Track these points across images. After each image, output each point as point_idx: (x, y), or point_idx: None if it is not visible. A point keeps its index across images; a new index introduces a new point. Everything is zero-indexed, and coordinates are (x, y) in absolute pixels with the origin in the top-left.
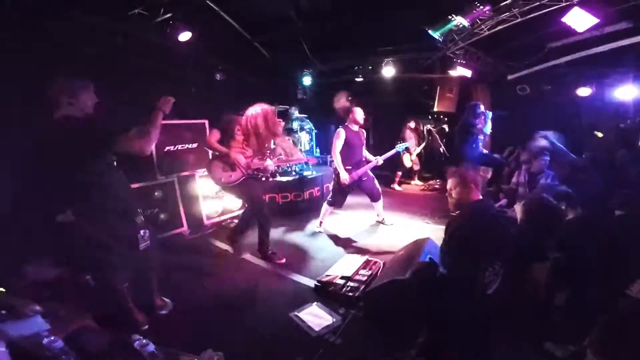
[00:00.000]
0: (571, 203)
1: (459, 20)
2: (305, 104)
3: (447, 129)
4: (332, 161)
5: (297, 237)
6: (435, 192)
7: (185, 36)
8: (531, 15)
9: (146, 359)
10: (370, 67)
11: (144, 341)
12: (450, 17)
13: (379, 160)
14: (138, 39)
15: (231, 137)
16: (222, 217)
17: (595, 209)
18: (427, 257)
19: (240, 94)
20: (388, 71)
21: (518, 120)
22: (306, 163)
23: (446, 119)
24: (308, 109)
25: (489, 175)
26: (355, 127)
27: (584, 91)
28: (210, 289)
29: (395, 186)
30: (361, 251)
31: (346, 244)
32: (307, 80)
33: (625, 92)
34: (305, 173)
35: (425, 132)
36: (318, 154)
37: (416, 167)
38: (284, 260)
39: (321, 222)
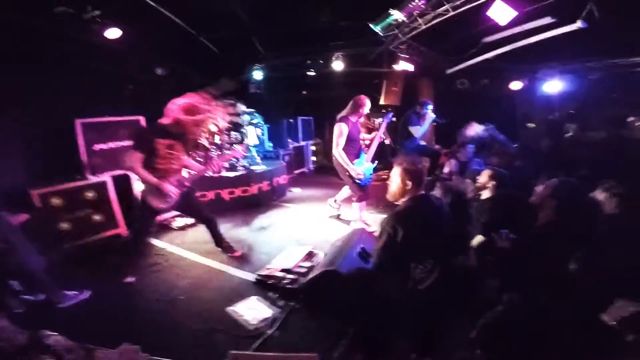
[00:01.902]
0: (503, 183)
1: (397, 15)
2: (258, 98)
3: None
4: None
5: (242, 233)
6: (383, 183)
7: (113, 33)
8: (462, 9)
9: (61, 354)
10: (321, 62)
11: (59, 337)
12: (389, 11)
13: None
14: (66, 37)
15: (153, 153)
16: (163, 217)
17: (528, 191)
18: (360, 248)
19: (185, 91)
20: (338, 65)
21: (459, 113)
22: (252, 158)
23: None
24: (262, 104)
25: (427, 165)
26: (354, 119)
27: (516, 85)
28: (137, 285)
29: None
30: (306, 243)
31: (293, 236)
32: (257, 75)
33: (552, 86)
34: (253, 167)
35: (375, 125)
36: (271, 148)
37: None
38: (239, 253)
39: (360, 218)
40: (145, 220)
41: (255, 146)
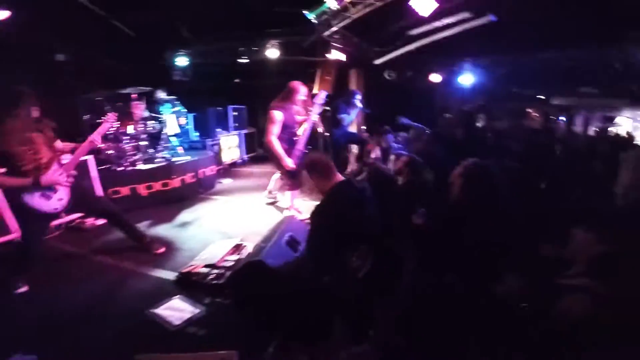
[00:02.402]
0: (416, 168)
1: (331, 3)
2: (184, 85)
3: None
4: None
5: (162, 230)
6: None
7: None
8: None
9: None
10: (255, 49)
11: None
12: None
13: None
14: None
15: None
16: (68, 218)
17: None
18: (288, 236)
19: (93, 78)
20: (272, 53)
21: (387, 102)
22: (172, 148)
23: (327, 100)
24: (188, 91)
25: (356, 151)
26: (289, 106)
27: (436, 77)
28: (35, 294)
29: None
30: (235, 236)
31: (220, 230)
32: (181, 61)
33: (465, 79)
34: (174, 159)
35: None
36: (197, 137)
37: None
38: (163, 249)
39: (291, 207)
40: (32, 228)
41: (177, 135)
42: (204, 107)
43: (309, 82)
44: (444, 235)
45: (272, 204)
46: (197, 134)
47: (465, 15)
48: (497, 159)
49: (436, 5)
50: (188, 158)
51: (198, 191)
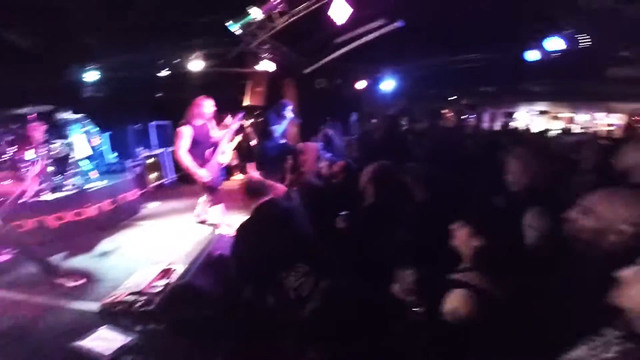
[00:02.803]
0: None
1: (256, 13)
2: (96, 102)
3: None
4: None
5: (80, 261)
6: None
7: None
8: (314, 7)
9: None
10: (176, 61)
11: None
12: (248, 9)
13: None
14: None
15: None
16: None
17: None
18: (217, 255)
19: None
20: (196, 65)
21: (320, 111)
22: (84, 173)
23: (259, 112)
24: (101, 108)
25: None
26: (200, 122)
27: (361, 84)
28: None
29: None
30: (163, 261)
31: (147, 256)
32: (92, 76)
33: (387, 85)
34: (88, 185)
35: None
36: (115, 159)
37: (235, 162)
38: (81, 282)
39: (203, 220)
40: None
41: (90, 158)
42: (121, 125)
43: (239, 95)
44: (361, 238)
45: (202, 222)
46: (115, 155)
47: (380, 22)
48: (416, 159)
49: (350, 10)
50: (104, 183)
51: (119, 218)
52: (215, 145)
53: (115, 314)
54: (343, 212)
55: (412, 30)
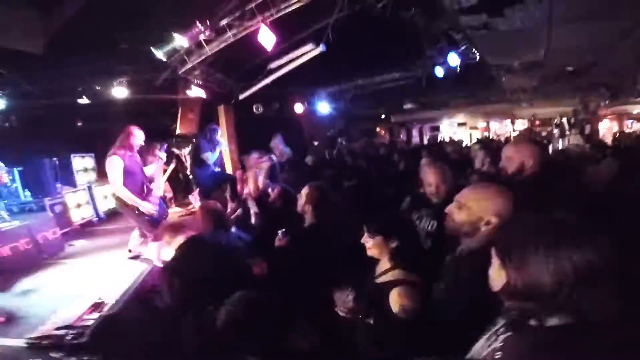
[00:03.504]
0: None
1: (180, 40)
2: (6, 133)
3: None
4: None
5: None
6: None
7: None
8: (243, 34)
9: None
10: (98, 87)
11: None
12: (172, 36)
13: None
14: None
15: None
16: None
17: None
18: (150, 286)
19: None
20: (120, 92)
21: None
22: None
23: (194, 140)
24: (8, 140)
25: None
26: (129, 153)
27: (299, 107)
28: None
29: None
30: (92, 296)
31: (74, 293)
32: None
33: (323, 107)
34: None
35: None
36: (30, 198)
37: (169, 195)
38: (1, 319)
39: (137, 254)
40: None
41: None
42: (33, 159)
43: (171, 122)
44: (301, 257)
45: (135, 257)
46: (28, 192)
47: (308, 47)
48: (353, 178)
49: (274, 39)
50: (17, 223)
51: (40, 257)
52: (147, 177)
53: (43, 348)
54: (280, 230)
55: (337, 54)
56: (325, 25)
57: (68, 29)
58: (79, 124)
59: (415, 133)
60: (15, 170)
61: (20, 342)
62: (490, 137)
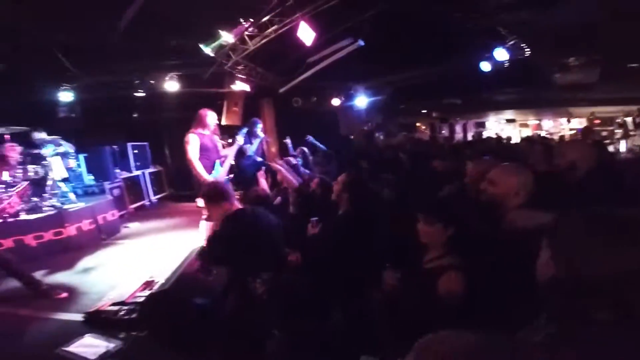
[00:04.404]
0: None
1: (227, 37)
2: (71, 123)
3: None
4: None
5: (62, 277)
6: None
7: None
8: (284, 29)
9: None
10: (152, 82)
11: None
12: (219, 32)
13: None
14: None
15: None
16: None
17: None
18: (198, 265)
19: None
20: (172, 85)
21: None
22: (62, 195)
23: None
24: (76, 129)
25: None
26: (205, 132)
27: (336, 101)
28: None
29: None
30: (144, 275)
31: (129, 272)
32: (66, 96)
33: (361, 101)
34: (67, 206)
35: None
36: (92, 182)
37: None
38: (65, 295)
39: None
40: None
41: (67, 180)
42: (96, 146)
43: (217, 115)
44: (337, 243)
45: None
46: (92, 177)
47: (346, 42)
48: (392, 172)
49: (314, 34)
50: (82, 204)
51: (100, 237)
52: (221, 157)
53: (99, 323)
54: (313, 218)
55: (376, 48)
56: (364, 20)
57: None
58: (135, 115)
59: (458, 129)
60: (82, 157)
61: (79, 317)
62: (543, 135)
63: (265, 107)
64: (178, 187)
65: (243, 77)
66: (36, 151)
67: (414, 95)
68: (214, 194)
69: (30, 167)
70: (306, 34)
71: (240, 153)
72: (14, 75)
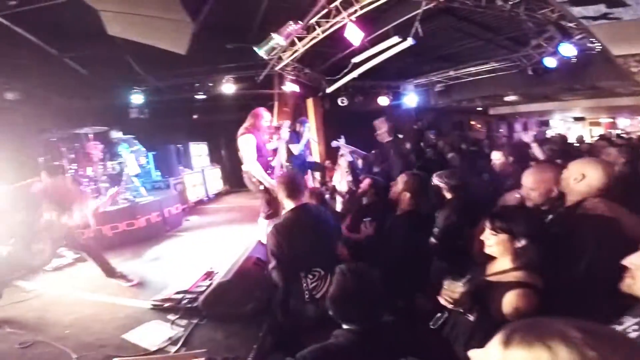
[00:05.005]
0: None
1: (278, 39)
2: (141, 123)
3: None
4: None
5: (132, 265)
6: None
7: None
8: (330, 31)
9: None
10: (210, 84)
11: None
12: (271, 35)
13: None
14: None
15: None
16: None
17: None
18: (255, 258)
19: (46, 118)
20: (228, 88)
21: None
22: (135, 189)
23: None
24: (145, 129)
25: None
26: (258, 132)
27: (383, 100)
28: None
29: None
30: (205, 266)
31: (190, 262)
32: (137, 99)
33: (410, 100)
34: (138, 199)
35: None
36: (159, 177)
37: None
38: (135, 282)
39: None
40: None
41: (138, 176)
42: (162, 145)
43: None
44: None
45: None
46: (159, 173)
47: (394, 40)
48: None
49: (362, 35)
50: (151, 198)
51: (164, 229)
52: (272, 156)
53: (163, 310)
54: (367, 219)
55: (426, 45)
56: (412, 17)
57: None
58: (195, 117)
59: (518, 127)
60: (150, 155)
61: (146, 304)
62: (619, 134)
63: (312, 107)
64: (233, 184)
65: (292, 78)
66: (113, 149)
67: (468, 92)
68: (289, 186)
69: (109, 164)
70: (354, 34)
71: (289, 152)
72: (94, 80)
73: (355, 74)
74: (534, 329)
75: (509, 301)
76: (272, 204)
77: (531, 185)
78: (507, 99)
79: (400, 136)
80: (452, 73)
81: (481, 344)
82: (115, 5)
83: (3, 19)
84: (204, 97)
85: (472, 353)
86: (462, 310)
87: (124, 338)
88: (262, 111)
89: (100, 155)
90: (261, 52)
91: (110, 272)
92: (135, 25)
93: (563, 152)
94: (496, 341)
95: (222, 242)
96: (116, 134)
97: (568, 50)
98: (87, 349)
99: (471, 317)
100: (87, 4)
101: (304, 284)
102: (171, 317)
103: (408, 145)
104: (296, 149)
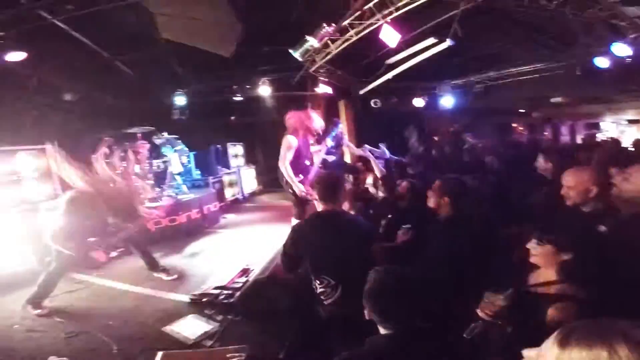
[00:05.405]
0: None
1: (312, 41)
2: (183, 124)
3: None
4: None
5: (173, 259)
6: None
7: (16, 56)
8: (363, 33)
9: None
10: (247, 86)
11: None
12: (305, 37)
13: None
14: None
15: None
16: None
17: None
18: None
19: (97, 116)
20: (264, 90)
21: (377, 129)
22: (177, 187)
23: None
24: (186, 130)
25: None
26: (304, 135)
27: (418, 102)
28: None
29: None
30: (241, 262)
31: (227, 258)
32: (180, 100)
33: (447, 101)
34: (180, 197)
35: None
36: (199, 176)
37: None
38: (175, 276)
39: None
40: None
41: (180, 174)
42: (202, 145)
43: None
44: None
45: None
46: (199, 172)
47: (430, 41)
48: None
49: (399, 36)
50: (192, 196)
51: (203, 226)
52: (311, 160)
53: (201, 305)
54: (406, 225)
55: (464, 45)
56: (450, 17)
57: None
58: (232, 118)
59: (564, 131)
60: (192, 154)
61: (185, 298)
62: None
63: (344, 108)
64: (266, 184)
65: (325, 79)
66: (158, 149)
67: (509, 93)
68: (323, 188)
69: (154, 162)
70: (390, 36)
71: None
72: (141, 82)
73: (389, 75)
74: (595, 328)
75: (553, 315)
76: (300, 205)
77: (570, 184)
78: (552, 100)
79: (436, 138)
80: (492, 74)
81: (517, 356)
82: (171, 9)
83: (62, 24)
84: (240, 99)
85: (526, 352)
86: (500, 322)
87: (163, 331)
88: (313, 114)
89: (147, 154)
90: (296, 54)
91: (153, 265)
92: (186, 29)
93: (614, 156)
94: (552, 341)
95: (258, 240)
96: (162, 134)
97: (622, 50)
98: (128, 340)
99: (508, 329)
100: (144, 7)
101: (313, 286)
102: (208, 311)
103: (446, 149)
104: (327, 144)
